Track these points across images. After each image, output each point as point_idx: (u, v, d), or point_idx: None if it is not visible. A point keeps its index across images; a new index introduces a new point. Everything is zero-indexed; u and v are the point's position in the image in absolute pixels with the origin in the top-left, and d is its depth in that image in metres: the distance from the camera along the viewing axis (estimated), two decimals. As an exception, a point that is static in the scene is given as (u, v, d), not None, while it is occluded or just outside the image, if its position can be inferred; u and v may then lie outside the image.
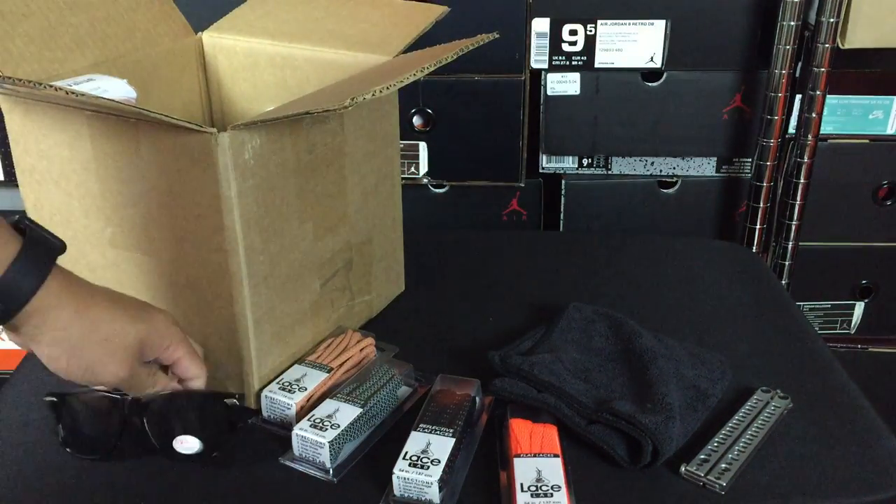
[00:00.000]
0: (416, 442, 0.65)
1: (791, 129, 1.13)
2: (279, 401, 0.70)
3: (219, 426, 0.67)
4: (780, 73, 1.06)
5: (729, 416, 0.71)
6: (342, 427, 0.66)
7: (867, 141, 1.14)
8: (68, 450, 0.68)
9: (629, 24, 1.08)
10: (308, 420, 0.67)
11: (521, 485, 0.62)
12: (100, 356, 0.59)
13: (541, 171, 1.18)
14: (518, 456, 0.65)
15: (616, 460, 0.66)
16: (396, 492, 0.62)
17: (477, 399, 0.71)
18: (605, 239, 1.06)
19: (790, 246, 1.16)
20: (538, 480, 0.62)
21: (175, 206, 0.67)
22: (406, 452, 0.64)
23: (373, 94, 0.59)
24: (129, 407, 0.66)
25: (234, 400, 0.66)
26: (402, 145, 1.10)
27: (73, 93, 0.59)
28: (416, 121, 1.13)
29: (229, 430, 0.67)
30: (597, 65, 1.10)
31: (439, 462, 0.63)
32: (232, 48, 0.90)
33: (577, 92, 1.12)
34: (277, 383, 0.72)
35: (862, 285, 1.22)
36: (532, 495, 0.61)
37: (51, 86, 0.58)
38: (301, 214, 0.73)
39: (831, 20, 1.03)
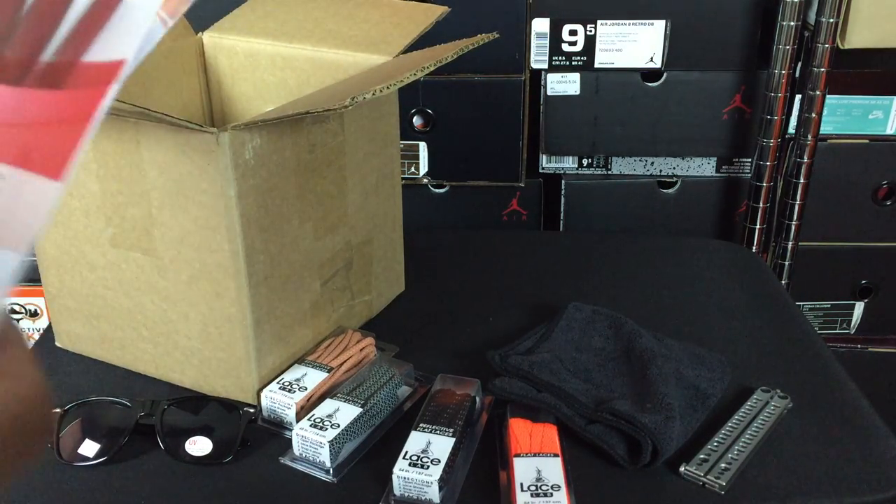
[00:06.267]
0: (416, 441, 0.65)
1: (791, 129, 1.13)
2: (279, 400, 0.70)
3: (233, 432, 0.68)
4: (779, 73, 1.06)
5: (729, 416, 0.71)
6: (342, 427, 0.66)
7: (867, 141, 1.14)
8: (64, 460, 0.67)
9: (629, 24, 1.08)
10: (308, 420, 0.67)
11: (521, 484, 0.62)
12: None
13: (541, 171, 1.18)
14: (518, 455, 0.65)
15: (616, 460, 0.66)
16: (396, 491, 0.62)
17: (477, 399, 0.71)
18: (605, 239, 1.06)
19: (790, 246, 1.16)
20: (538, 480, 0.62)
21: (175, 205, 0.67)
22: (406, 452, 0.64)
23: (373, 94, 0.59)
24: (144, 406, 0.68)
25: (251, 410, 0.69)
26: (402, 145, 1.10)
27: None
28: (416, 121, 1.13)
29: (243, 437, 0.68)
30: (597, 65, 1.10)
31: (439, 462, 0.63)
32: (232, 48, 0.90)
33: (577, 92, 1.12)
34: (277, 383, 0.72)
35: (862, 285, 1.22)
36: (532, 495, 0.61)
37: None
38: (301, 214, 0.73)
39: (831, 20, 1.03)
